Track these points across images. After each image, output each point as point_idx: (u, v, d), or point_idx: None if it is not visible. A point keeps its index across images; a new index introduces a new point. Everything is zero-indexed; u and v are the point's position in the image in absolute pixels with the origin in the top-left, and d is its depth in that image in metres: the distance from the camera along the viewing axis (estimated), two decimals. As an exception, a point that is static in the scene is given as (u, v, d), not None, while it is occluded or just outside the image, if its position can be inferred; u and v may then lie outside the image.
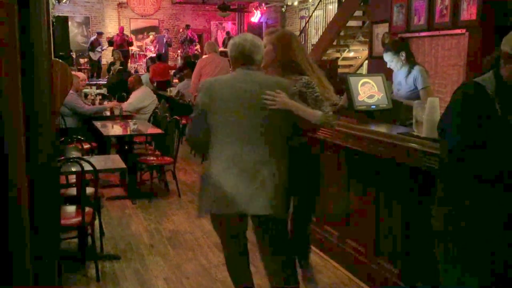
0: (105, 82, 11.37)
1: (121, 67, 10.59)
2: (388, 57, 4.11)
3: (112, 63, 12.21)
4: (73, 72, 6.73)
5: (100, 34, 15.28)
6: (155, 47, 16.30)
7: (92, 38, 15.28)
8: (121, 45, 14.80)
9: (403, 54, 4.04)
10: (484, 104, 1.79)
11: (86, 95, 8.00)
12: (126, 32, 16.67)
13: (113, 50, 13.54)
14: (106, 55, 15.32)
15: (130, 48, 16.04)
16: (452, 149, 1.88)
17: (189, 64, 10.12)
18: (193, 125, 2.70)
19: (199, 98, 2.64)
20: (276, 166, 2.56)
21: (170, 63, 15.13)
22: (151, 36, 16.65)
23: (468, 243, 1.85)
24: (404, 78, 4.09)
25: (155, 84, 10.81)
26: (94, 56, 14.96)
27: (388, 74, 4.23)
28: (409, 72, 4.06)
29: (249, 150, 2.52)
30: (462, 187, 1.87)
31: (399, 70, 4.12)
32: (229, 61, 2.98)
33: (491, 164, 1.76)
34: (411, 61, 4.09)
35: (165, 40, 16.14)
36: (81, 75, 6.98)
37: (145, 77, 10.43)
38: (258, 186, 2.51)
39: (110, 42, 14.96)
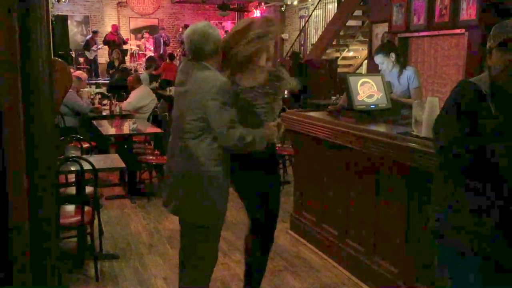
0: (106, 81, 11.34)
1: (123, 65, 10.57)
2: (379, 59, 4.15)
3: (111, 62, 12.19)
4: (75, 72, 6.78)
5: (95, 33, 15.22)
6: (153, 46, 16.23)
7: (88, 37, 15.22)
8: (118, 44, 14.75)
9: (393, 55, 4.12)
10: (478, 102, 1.79)
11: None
12: (126, 31, 16.64)
13: (112, 50, 13.49)
14: (103, 54, 15.29)
15: (129, 47, 16.02)
16: (440, 148, 1.89)
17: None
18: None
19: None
20: None
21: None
22: (144, 37, 16.55)
23: (460, 243, 1.86)
24: (396, 79, 4.14)
25: (158, 81, 10.74)
26: (89, 55, 14.91)
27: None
28: (400, 72, 4.12)
29: None
30: (451, 186, 1.87)
31: (390, 71, 4.16)
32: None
33: (482, 161, 1.76)
34: (401, 62, 4.18)
35: (162, 40, 16.05)
36: (83, 75, 7.00)
37: (144, 76, 10.40)
38: None
39: (107, 42, 14.90)
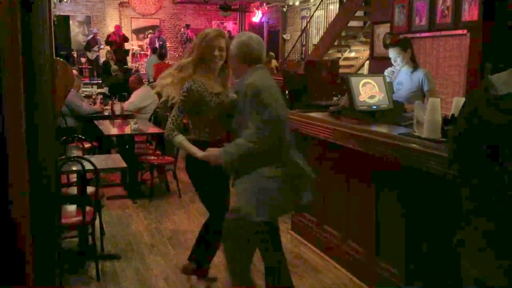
0: (104, 83, 11.34)
1: (125, 66, 10.58)
2: (393, 53, 4.07)
3: (106, 62, 12.18)
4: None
5: (95, 33, 15.21)
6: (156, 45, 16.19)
7: (89, 38, 15.23)
8: (121, 44, 14.74)
9: (410, 51, 4.04)
10: None
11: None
12: (128, 31, 16.64)
13: (106, 52, 13.50)
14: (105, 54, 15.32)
15: (131, 47, 16.00)
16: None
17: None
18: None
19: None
20: None
21: (170, 62, 15.02)
22: (148, 37, 16.52)
23: None
24: (407, 77, 4.07)
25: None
26: (91, 55, 14.92)
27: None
28: (412, 72, 4.05)
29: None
30: None
31: (402, 67, 4.11)
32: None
33: None
34: (415, 61, 4.12)
35: (157, 43, 15.87)
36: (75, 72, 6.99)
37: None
38: None
39: (109, 42, 14.89)
